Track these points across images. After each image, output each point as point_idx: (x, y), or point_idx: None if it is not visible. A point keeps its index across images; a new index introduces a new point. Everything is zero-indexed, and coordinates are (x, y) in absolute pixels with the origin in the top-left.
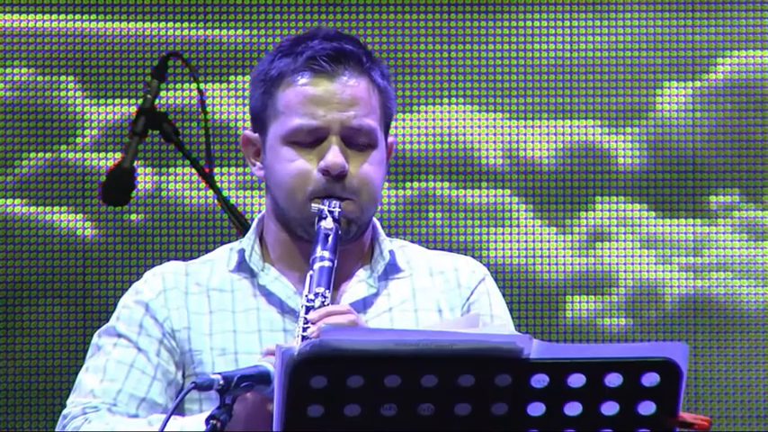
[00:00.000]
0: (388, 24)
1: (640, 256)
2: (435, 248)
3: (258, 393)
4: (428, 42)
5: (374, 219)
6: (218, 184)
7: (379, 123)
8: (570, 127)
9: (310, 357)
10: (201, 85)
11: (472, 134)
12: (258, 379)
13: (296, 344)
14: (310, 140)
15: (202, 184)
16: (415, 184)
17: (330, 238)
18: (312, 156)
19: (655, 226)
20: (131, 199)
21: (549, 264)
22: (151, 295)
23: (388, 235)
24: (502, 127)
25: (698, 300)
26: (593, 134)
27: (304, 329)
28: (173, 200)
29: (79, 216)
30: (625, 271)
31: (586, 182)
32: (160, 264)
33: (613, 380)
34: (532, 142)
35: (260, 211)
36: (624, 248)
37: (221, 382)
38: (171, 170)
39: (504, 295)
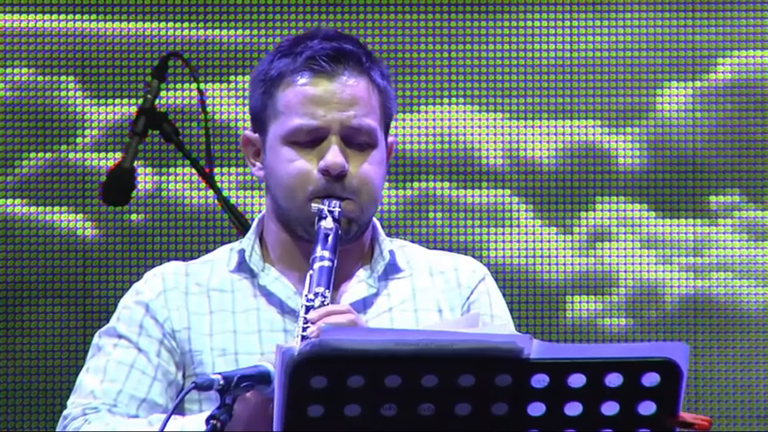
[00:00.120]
0: (388, 24)
1: (641, 256)
2: (436, 248)
3: (258, 393)
4: (428, 42)
5: (374, 219)
6: (219, 185)
7: (378, 123)
8: (571, 127)
9: (310, 357)
10: (201, 85)
11: (472, 134)
12: (258, 379)
13: (295, 344)
14: (310, 140)
15: (202, 185)
16: (416, 184)
17: (330, 238)
18: (312, 156)
19: (655, 226)
20: (131, 199)
21: (549, 264)
22: (151, 296)
23: (389, 235)
24: (502, 127)
25: (698, 300)
26: (594, 134)
27: (304, 329)
28: (173, 200)
29: (79, 216)
30: (625, 271)
31: (587, 182)
32: (160, 264)
33: (613, 380)
34: (533, 142)
35: (260, 212)
36: (624, 248)
37: (221, 382)
38: (171, 170)
39: (504, 295)
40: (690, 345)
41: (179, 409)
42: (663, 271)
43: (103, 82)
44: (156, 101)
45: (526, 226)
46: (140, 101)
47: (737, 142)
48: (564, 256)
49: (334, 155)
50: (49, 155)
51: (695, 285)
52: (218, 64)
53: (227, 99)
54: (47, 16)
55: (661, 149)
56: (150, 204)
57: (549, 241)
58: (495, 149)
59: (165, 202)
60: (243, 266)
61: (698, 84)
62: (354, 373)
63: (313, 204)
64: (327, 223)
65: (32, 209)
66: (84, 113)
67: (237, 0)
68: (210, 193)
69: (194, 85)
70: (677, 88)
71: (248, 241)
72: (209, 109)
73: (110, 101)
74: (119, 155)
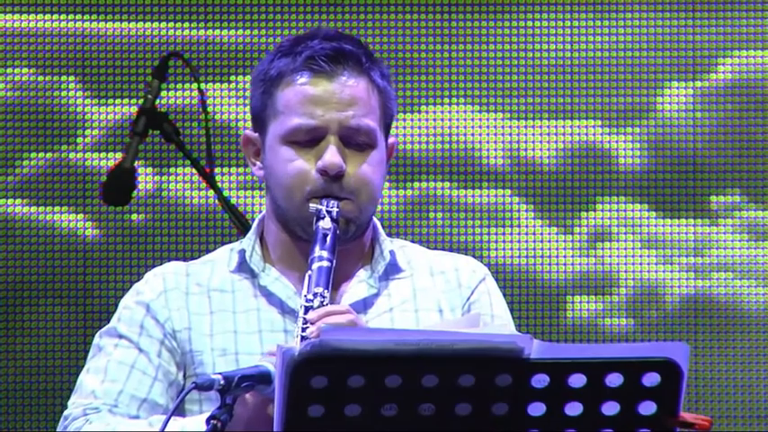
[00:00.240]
0: (388, 24)
1: (641, 256)
2: (436, 248)
3: (259, 393)
4: (428, 42)
5: (375, 219)
6: (219, 185)
7: (378, 123)
8: (571, 127)
9: (311, 357)
10: (202, 85)
11: (473, 134)
12: (259, 379)
13: (295, 344)
14: (309, 140)
15: (203, 185)
16: (416, 185)
17: (328, 238)
18: (310, 156)
19: (656, 226)
20: (132, 199)
21: (550, 264)
22: (152, 296)
23: (389, 235)
24: (503, 127)
25: (699, 300)
26: (595, 134)
27: (303, 329)
28: (173, 200)
29: (80, 216)
30: (626, 271)
31: (587, 182)
32: (161, 264)
33: (614, 380)
34: (533, 142)
35: (260, 212)
36: (625, 249)
37: (222, 382)
38: (172, 170)
39: (504, 295)
40: (690, 345)
41: (179, 410)
42: (663, 271)
43: (104, 82)
44: (157, 101)
45: (527, 226)
46: (141, 101)
47: (738, 142)
48: (564, 256)
49: (331, 155)
50: (49, 155)
51: (696, 285)
52: (219, 64)
53: (227, 99)
54: (47, 16)
55: (662, 149)
56: (151, 204)
57: (549, 241)
58: (495, 149)
59: (166, 202)
60: (243, 267)
61: (698, 84)
62: (355, 374)
63: (311, 204)
64: (325, 223)
65: (33, 209)
66: (84, 113)
67: (237, 0)
68: (211, 193)
69: (195, 85)
70: (678, 88)
71: (249, 241)
72: (209, 109)
73: (110, 101)
74: (119, 155)
